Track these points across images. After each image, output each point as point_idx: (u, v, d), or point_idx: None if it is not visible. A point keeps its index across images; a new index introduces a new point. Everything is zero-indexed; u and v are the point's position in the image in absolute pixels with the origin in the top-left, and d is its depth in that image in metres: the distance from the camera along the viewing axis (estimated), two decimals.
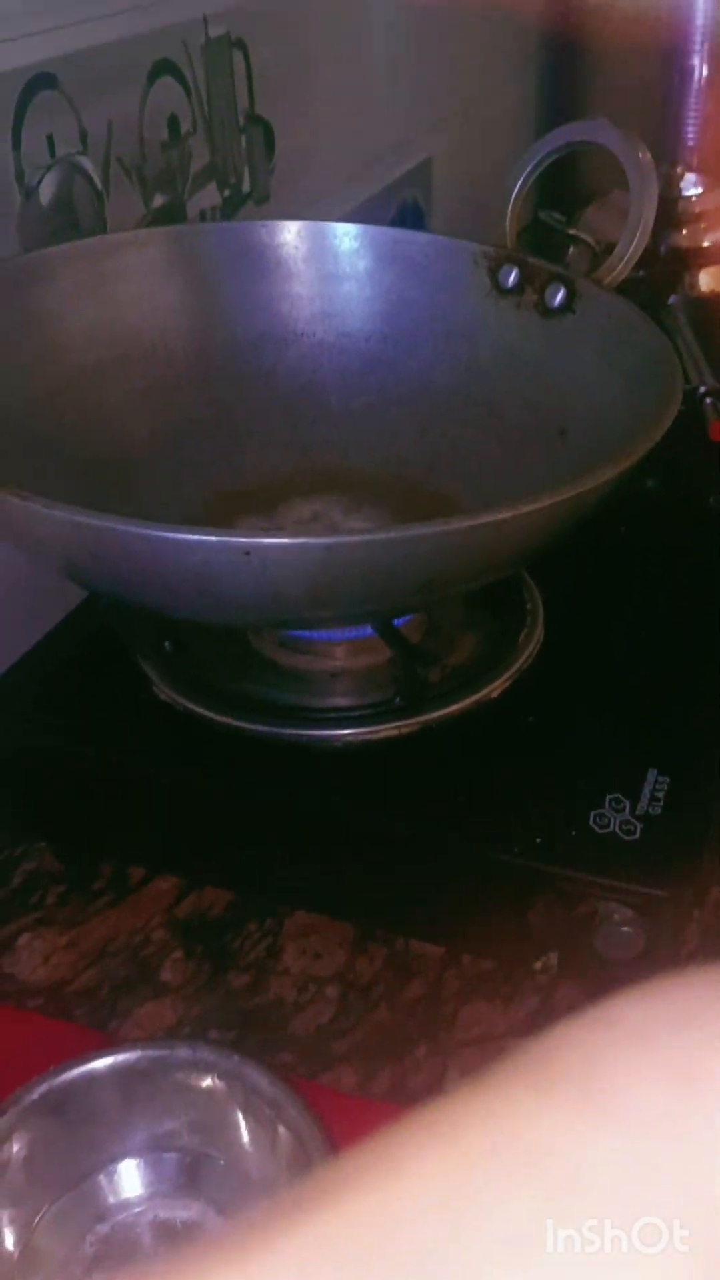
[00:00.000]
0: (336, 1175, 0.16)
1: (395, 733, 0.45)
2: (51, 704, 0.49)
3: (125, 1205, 0.38)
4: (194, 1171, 0.38)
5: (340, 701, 0.47)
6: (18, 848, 0.52)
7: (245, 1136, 0.37)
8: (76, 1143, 0.37)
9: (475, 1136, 0.16)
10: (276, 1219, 0.15)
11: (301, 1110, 0.36)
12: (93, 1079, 0.38)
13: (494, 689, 0.47)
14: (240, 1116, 0.37)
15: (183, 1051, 0.38)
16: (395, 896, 0.44)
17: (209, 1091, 0.38)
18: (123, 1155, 0.38)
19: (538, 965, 0.42)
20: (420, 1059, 0.43)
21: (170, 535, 0.35)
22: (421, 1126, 0.16)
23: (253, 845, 0.46)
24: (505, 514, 0.36)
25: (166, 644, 0.49)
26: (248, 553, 0.34)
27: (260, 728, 0.45)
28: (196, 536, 0.34)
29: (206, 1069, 0.38)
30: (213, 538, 0.34)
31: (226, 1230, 0.17)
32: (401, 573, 0.37)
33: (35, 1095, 0.37)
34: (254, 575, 0.35)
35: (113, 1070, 0.38)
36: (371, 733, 0.45)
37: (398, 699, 0.46)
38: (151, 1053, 0.38)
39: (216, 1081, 0.38)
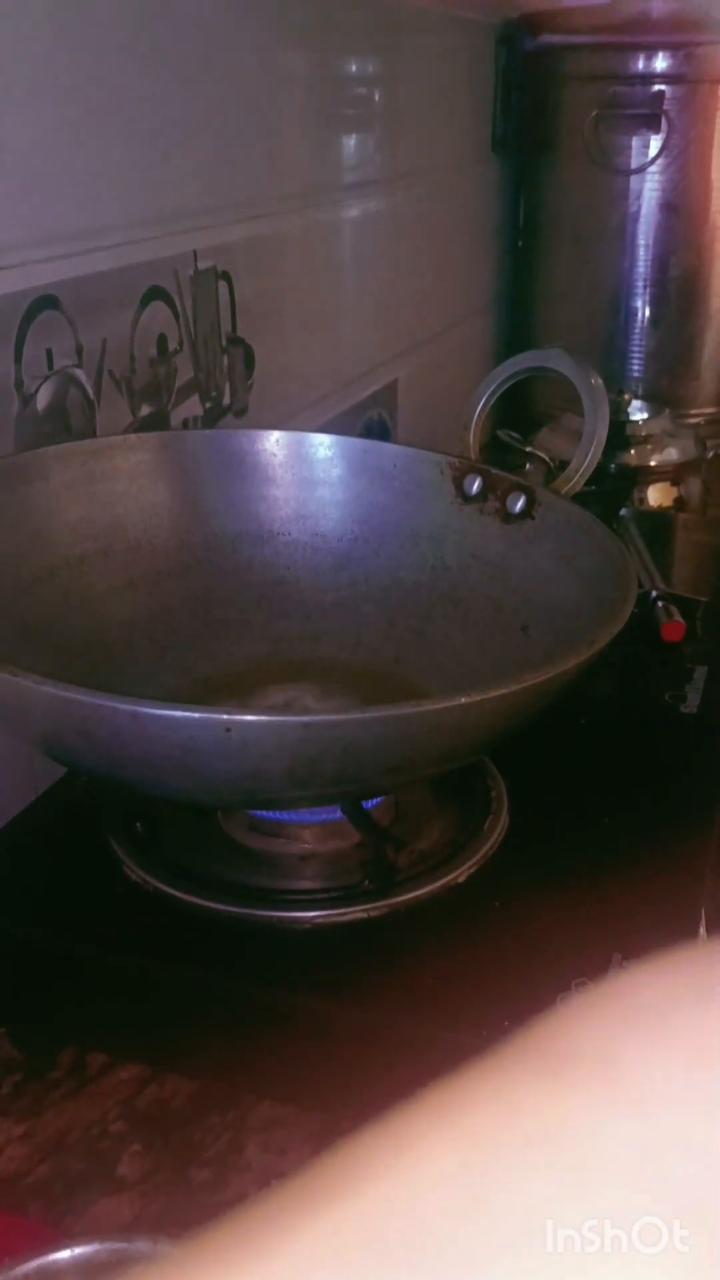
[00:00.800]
0: (347, 1163, 0.15)
1: (364, 915, 0.46)
2: (18, 885, 0.49)
3: None
4: None
5: (309, 884, 0.48)
6: None
7: None
8: None
9: (486, 1121, 0.16)
10: (288, 1209, 0.15)
11: None
12: (47, 1273, 0.36)
13: (460, 873, 0.48)
14: None
15: (142, 1246, 0.37)
16: (364, 1083, 0.44)
17: None
18: None
19: None
20: None
21: (155, 711, 0.36)
22: (431, 1110, 0.16)
23: (218, 1029, 0.45)
24: (473, 698, 0.38)
25: (138, 825, 0.50)
26: (229, 729, 0.36)
27: (229, 908, 0.46)
28: (180, 713, 0.36)
29: None
30: (195, 714, 0.36)
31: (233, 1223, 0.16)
32: (374, 752, 0.38)
33: None
34: (234, 751, 0.37)
35: (70, 1265, 0.36)
36: (340, 914, 0.46)
37: (366, 882, 0.46)
38: (110, 1246, 0.37)
39: None
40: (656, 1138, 0.15)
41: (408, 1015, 0.42)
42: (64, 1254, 0.36)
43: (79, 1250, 0.37)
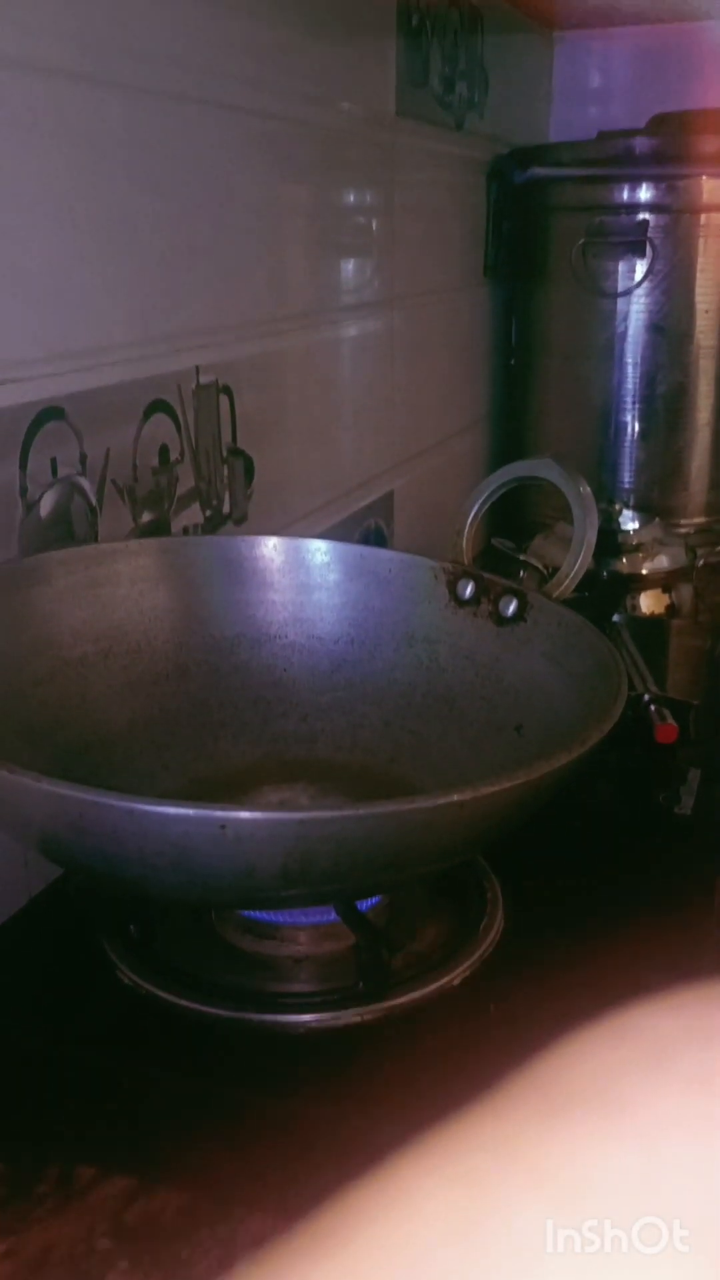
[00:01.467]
0: (347, 1208, 0.15)
1: (358, 1019, 0.45)
2: (8, 988, 0.48)
3: None
4: None
5: (304, 987, 0.47)
6: None
7: None
8: None
9: (485, 1157, 0.15)
10: (291, 1258, 0.14)
11: None
12: None
13: (455, 976, 0.47)
14: None
15: None
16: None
17: None
18: None
19: None
20: None
21: (151, 808, 0.37)
22: (431, 1154, 0.16)
23: (210, 1137, 0.44)
24: (466, 795, 0.38)
25: (132, 928, 0.50)
26: (223, 826, 0.36)
27: (222, 1012, 0.45)
28: (175, 809, 0.36)
29: None
30: (190, 810, 0.36)
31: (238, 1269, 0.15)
32: (367, 849, 0.38)
33: None
34: (229, 849, 0.37)
35: None
36: (334, 1019, 0.45)
37: (360, 985, 0.46)
38: None
39: None
40: (659, 1169, 0.15)
41: (404, 1123, 0.41)
42: None
43: None
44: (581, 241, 1.19)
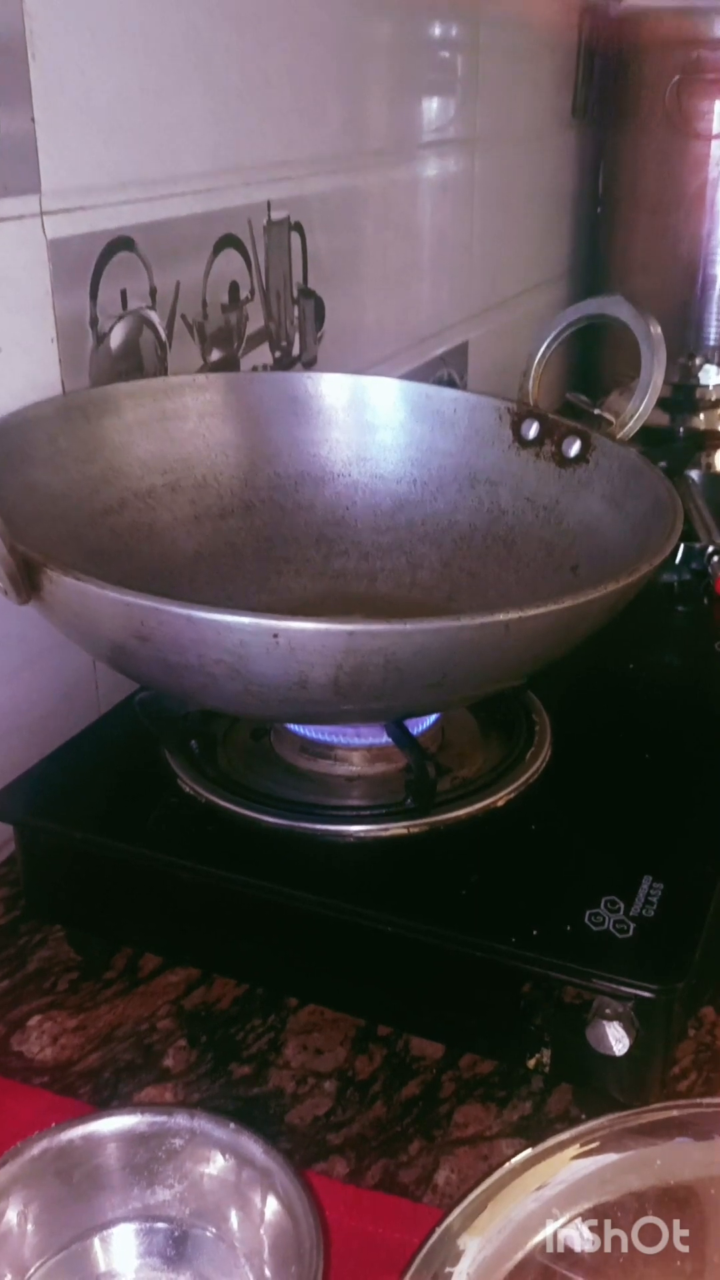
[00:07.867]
0: None
1: (404, 832, 0.47)
2: (78, 795, 0.51)
3: (112, 1275, 0.38)
4: (182, 1245, 0.39)
5: (355, 802, 0.50)
6: (36, 934, 0.54)
7: (235, 1207, 0.38)
8: (70, 1203, 0.38)
9: None
10: None
11: (292, 1179, 0.37)
12: (91, 1140, 0.39)
13: (500, 798, 0.49)
14: (233, 1186, 0.38)
15: (180, 1119, 0.39)
16: (399, 989, 0.45)
17: (204, 1159, 0.39)
18: (115, 1222, 0.39)
19: (530, 1063, 0.43)
20: (413, 1155, 0.43)
21: (209, 615, 0.38)
22: None
23: (263, 934, 0.47)
24: (512, 616, 0.39)
25: (193, 744, 0.52)
26: (276, 635, 0.38)
27: (277, 820, 0.48)
28: (233, 617, 0.38)
29: (202, 1137, 0.39)
30: (246, 619, 0.38)
31: None
32: (415, 665, 0.40)
33: (35, 1151, 0.38)
34: (282, 658, 0.39)
35: (111, 1132, 0.39)
36: (382, 830, 0.47)
37: (409, 801, 0.48)
38: (150, 1118, 0.39)
39: (211, 1150, 0.39)
40: None
41: (443, 924, 0.44)
42: (105, 1121, 0.39)
43: (120, 1118, 0.39)
44: (676, 79, 1.13)
